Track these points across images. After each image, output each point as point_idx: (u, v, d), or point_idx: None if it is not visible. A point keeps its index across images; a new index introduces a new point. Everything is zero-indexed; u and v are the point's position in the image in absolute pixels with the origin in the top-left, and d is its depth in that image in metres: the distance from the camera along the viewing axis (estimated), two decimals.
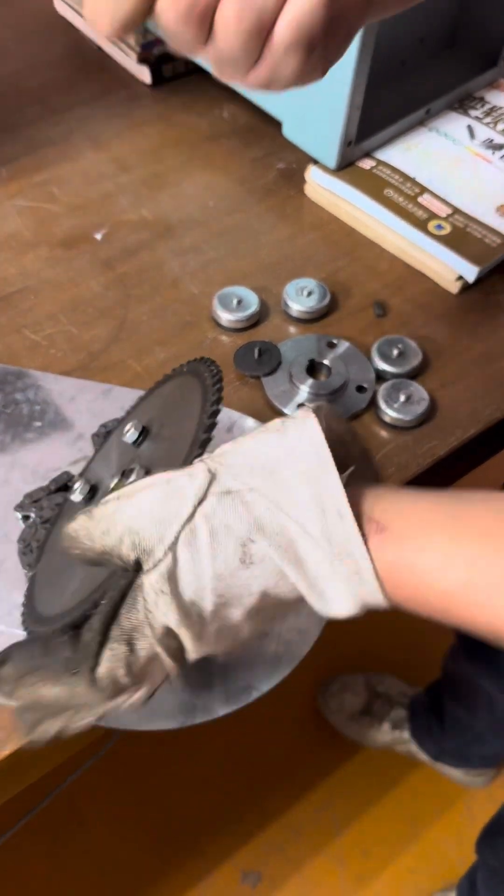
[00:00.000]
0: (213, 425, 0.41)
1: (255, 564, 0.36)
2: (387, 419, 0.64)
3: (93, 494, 0.50)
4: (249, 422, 0.62)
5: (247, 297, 0.70)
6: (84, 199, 0.80)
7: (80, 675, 0.35)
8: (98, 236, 0.77)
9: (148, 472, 0.43)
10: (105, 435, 0.58)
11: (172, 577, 0.35)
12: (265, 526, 0.36)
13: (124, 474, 0.44)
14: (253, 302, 0.70)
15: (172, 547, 0.35)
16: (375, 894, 1.24)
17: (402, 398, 0.64)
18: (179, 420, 0.45)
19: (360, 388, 0.66)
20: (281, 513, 0.36)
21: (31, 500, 0.55)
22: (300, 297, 0.71)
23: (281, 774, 1.31)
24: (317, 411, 0.39)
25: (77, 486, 0.49)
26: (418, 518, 0.37)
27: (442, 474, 0.66)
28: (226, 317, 0.69)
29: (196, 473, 0.37)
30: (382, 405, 0.64)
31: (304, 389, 0.65)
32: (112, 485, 0.46)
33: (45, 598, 0.47)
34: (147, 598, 0.35)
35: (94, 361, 0.67)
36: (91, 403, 0.64)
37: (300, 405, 0.51)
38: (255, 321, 0.71)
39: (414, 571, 0.36)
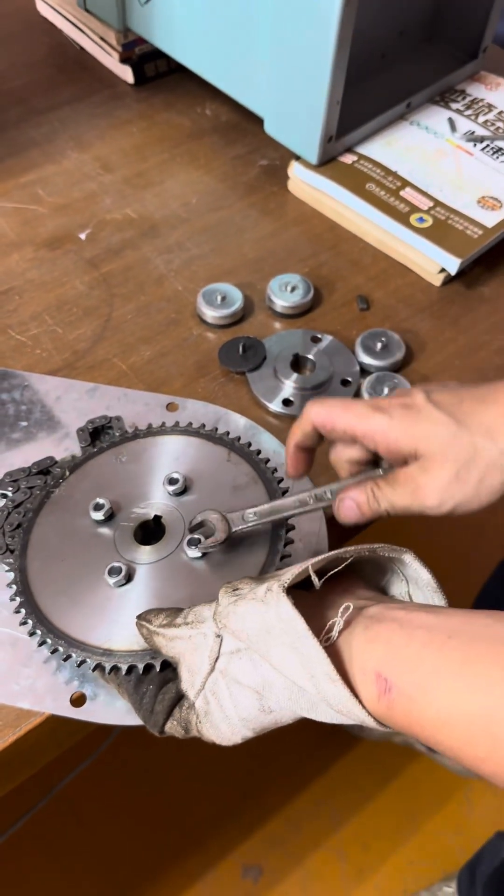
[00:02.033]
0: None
1: (275, 713, 0.40)
2: None
3: (109, 520, 0.52)
4: (235, 417, 0.63)
5: (231, 293, 0.71)
6: (68, 200, 0.81)
7: (150, 726, 0.45)
8: (82, 236, 0.77)
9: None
10: (100, 439, 0.59)
11: (207, 716, 0.42)
12: (272, 683, 0.39)
13: (193, 531, 0.50)
14: (237, 298, 0.70)
15: (201, 693, 0.42)
16: (376, 887, 1.24)
17: (387, 391, 0.65)
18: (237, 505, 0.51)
19: (345, 382, 0.66)
20: (281, 675, 0.39)
21: (11, 479, 0.56)
22: (284, 293, 0.71)
23: (280, 769, 1.32)
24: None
25: (103, 509, 0.52)
26: (426, 670, 0.36)
27: None
28: (210, 313, 0.70)
29: (207, 633, 0.42)
30: (367, 398, 0.64)
31: (289, 384, 0.65)
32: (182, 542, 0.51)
33: (72, 617, 0.48)
34: (194, 720, 0.43)
35: (79, 360, 0.67)
36: (77, 402, 0.64)
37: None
38: (239, 317, 0.71)
39: (424, 726, 0.36)
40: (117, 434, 0.58)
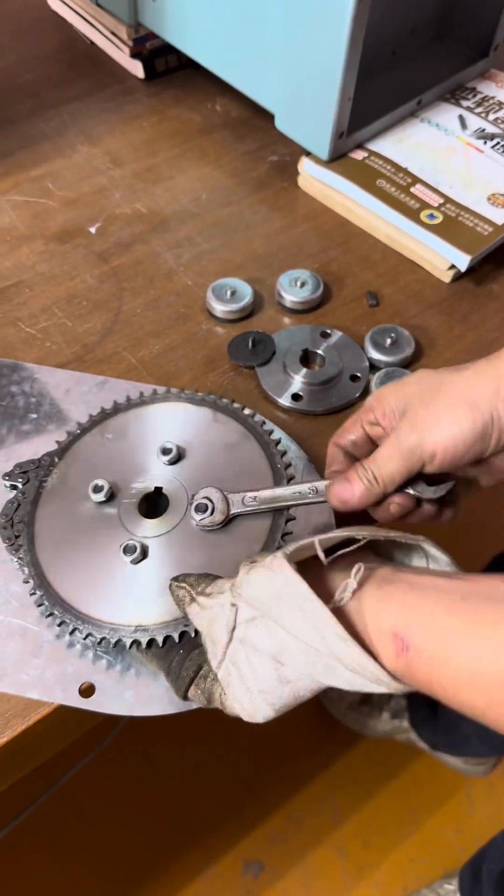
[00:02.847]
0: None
1: (292, 682, 0.40)
2: None
3: (111, 499, 0.52)
4: (246, 411, 0.62)
5: (241, 288, 0.71)
6: (78, 193, 0.81)
7: (174, 690, 0.46)
8: (92, 230, 0.78)
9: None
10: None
11: (230, 687, 0.42)
12: (288, 647, 0.40)
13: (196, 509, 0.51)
14: (247, 293, 0.70)
15: (222, 663, 0.42)
16: (376, 884, 1.24)
17: None
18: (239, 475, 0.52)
19: (354, 378, 0.67)
20: (295, 638, 0.39)
21: (21, 471, 0.56)
22: (294, 288, 0.71)
23: (281, 765, 1.32)
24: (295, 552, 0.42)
25: (104, 490, 0.52)
26: (442, 630, 0.37)
27: None
28: (220, 308, 0.70)
29: (224, 604, 0.42)
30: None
31: (298, 379, 0.65)
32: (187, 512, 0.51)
33: (97, 602, 0.48)
34: (218, 691, 0.43)
35: (88, 354, 0.68)
36: (86, 395, 0.64)
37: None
38: (248, 312, 0.71)
39: (445, 686, 0.37)
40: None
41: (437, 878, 1.23)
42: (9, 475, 0.56)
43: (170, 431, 0.55)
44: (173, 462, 0.53)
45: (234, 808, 1.28)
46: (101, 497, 0.52)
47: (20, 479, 0.55)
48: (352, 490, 0.49)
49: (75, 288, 0.73)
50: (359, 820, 1.30)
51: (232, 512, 0.50)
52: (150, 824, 1.25)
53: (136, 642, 0.46)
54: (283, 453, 0.55)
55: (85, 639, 0.47)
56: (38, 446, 0.60)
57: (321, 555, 0.42)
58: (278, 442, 0.55)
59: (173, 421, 0.56)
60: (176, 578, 0.47)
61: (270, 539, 0.50)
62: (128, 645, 0.46)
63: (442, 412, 0.47)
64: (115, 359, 0.67)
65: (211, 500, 0.50)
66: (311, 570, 0.42)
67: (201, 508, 0.50)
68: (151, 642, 0.46)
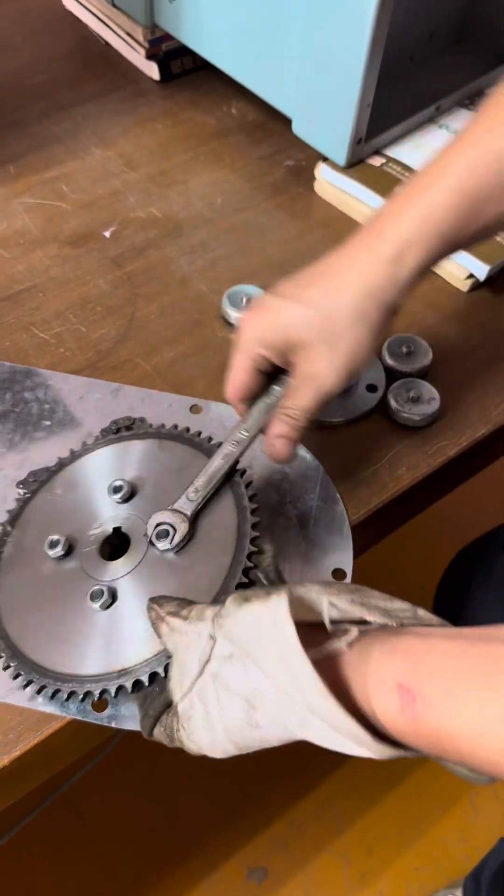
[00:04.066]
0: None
1: (262, 728, 0.38)
2: (397, 419, 0.64)
3: (70, 552, 0.50)
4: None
5: (256, 295, 0.70)
6: (92, 197, 0.80)
7: (141, 727, 0.45)
8: (106, 234, 0.77)
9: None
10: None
11: (189, 721, 0.40)
12: (263, 693, 0.37)
13: (159, 538, 0.49)
14: None
15: (187, 696, 0.40)
16: (380, 891, 1.24)
17: (413, 397, 0.64)
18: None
19: (371, 388, 0.66)
20: (273, 684, 0.37)
21: (34, 479, 0.55)
22: None
23: (285, 771, 1.31)
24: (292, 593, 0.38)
25: (60, 544, 0.50)
26: (453, 677, 0.34)
27: (451, 475, 0.66)
28: (235, 315, 0.69)
29: (202, 633, 0.40)
30: (393, 404, 0.64)
31: None
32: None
33: (75, 658, 0.46)
34: (175, 726, 0.42)
35: (102, 360, 0.67)
36: (100, 402, 0.63)
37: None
38: None
39: (457, 738, 0.34)
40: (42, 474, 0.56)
41: (441, 888, 1.22)
42: (23, 483, 0.55)
43: (118, 471, 0.53)
44: (127, 499, 0.52)
45: (238, 814, 1.27)
46: (59, 552, 0.50)
47: (34, 487, 0.54)
48: (292, 446, 0.51)
49: (89, 293, 0.72)
50: (362, 827, 1.29)
51: (189, 514, 0.48)
52: (153, 830, 1.25)
53: (121, 688, 0.45)
54: (236, 462, 0.52)
55: (67, 699, 0.45)
56: (51, 452, 0.59)
57: (328, 624, 0.38)
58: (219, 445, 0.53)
59: (120, 461, 0.54)
60: (153, 599, 0.45)
61: (241, 515, 0.49)
62: (113, 695, 0.45)
63: (349, 333, 0.48)
64: (129, 365, 0.67)
65: (166, 522, 0.48)
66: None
67: (163, 535, 0.48)
68: (137, 684, 0.45)
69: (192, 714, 0.40)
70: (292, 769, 1.31)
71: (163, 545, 0.48)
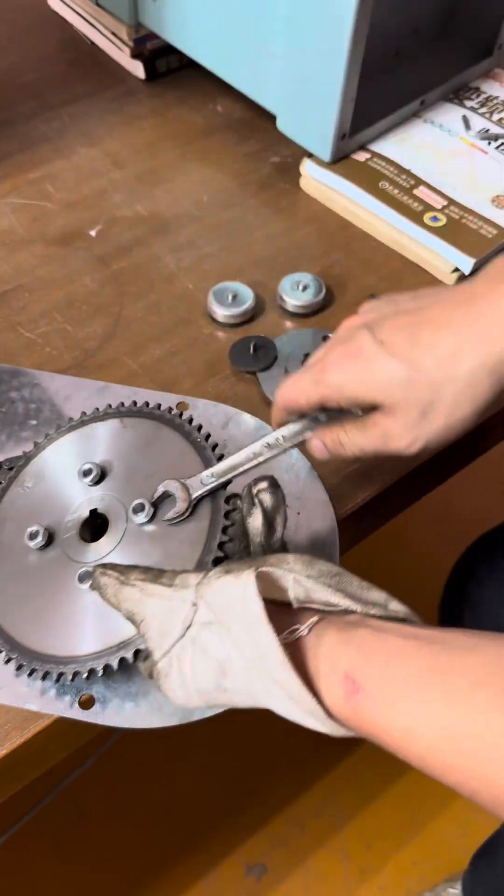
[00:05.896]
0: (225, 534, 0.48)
1: (230, 692, 0.40)
2: None
3: (50, 541, 0.50)
4: (246, 417, 0.62)
5: (242, 292, 0.70)
6: (78, 196, 0.80)
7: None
8: (93, 233, 0.77)
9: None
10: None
11: (167, 678, 0.42)
12: (233, 661, 0.39)
13: (158, 504, 0.50)
14: (248, 297, 0.70)
15: (167, 655, 0.41)
16: (379, 887, 1.24)
17: None
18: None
19: None
20: (241, 653, 0.38)
21: (8, 467, 0.55)
22: (296, 292, 0.70)
23: (283, 768, 1.31)
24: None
25: (39, 535, 0.50)
26: (396, 676, 0.36)
27: (439, 468, 0.66)
28: (221, 312, 0.69)
29: (186, 599, 0.41)
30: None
31: None
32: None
33: (72, 640, 0.47)
34: (154, 675, 0.43)
35: (89, 359, 0.67)
36: (87, 401, 0.63)
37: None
38: (250, 316, 0.70)
39: (390, 733, 0.36)
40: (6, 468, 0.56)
41: (441, 882, 1.23)
42: None
43: (85, 455, 0.53)
44: (98, 481, 0.52)
45: (237, 810, 1.28)
46: (39, 542, 0.50)
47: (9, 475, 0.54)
48: (326, 456, 0.51)
49: (75, 292, 0.72)
50: (361, 823, 1.29)
51: (194, 496, 0.49)
52: (152, 827, 1.25)
53: (123, 660, 0.45)
54: (199, 427, 0.53)
55: (73, 679, 0.46)
56: None
57: (294, 602, 0.41)
58: (190, 420, 0.53)
59: (86, 445, 0.54)
60: (103, 565, 0.45)
61: (214, 514, 0.49)
62: (116, 668, 0.45)
63: (452, 422, 0.45)
64: (116, 364, 0.67)
65: (171, 491, 0.49)
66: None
67: (139, 508, 0.49)
68: (138, 653, 0.45)
69: (169, 672, 0.42)
70: (291, 766, 1.32)
71: (139, 518, 0.48)
